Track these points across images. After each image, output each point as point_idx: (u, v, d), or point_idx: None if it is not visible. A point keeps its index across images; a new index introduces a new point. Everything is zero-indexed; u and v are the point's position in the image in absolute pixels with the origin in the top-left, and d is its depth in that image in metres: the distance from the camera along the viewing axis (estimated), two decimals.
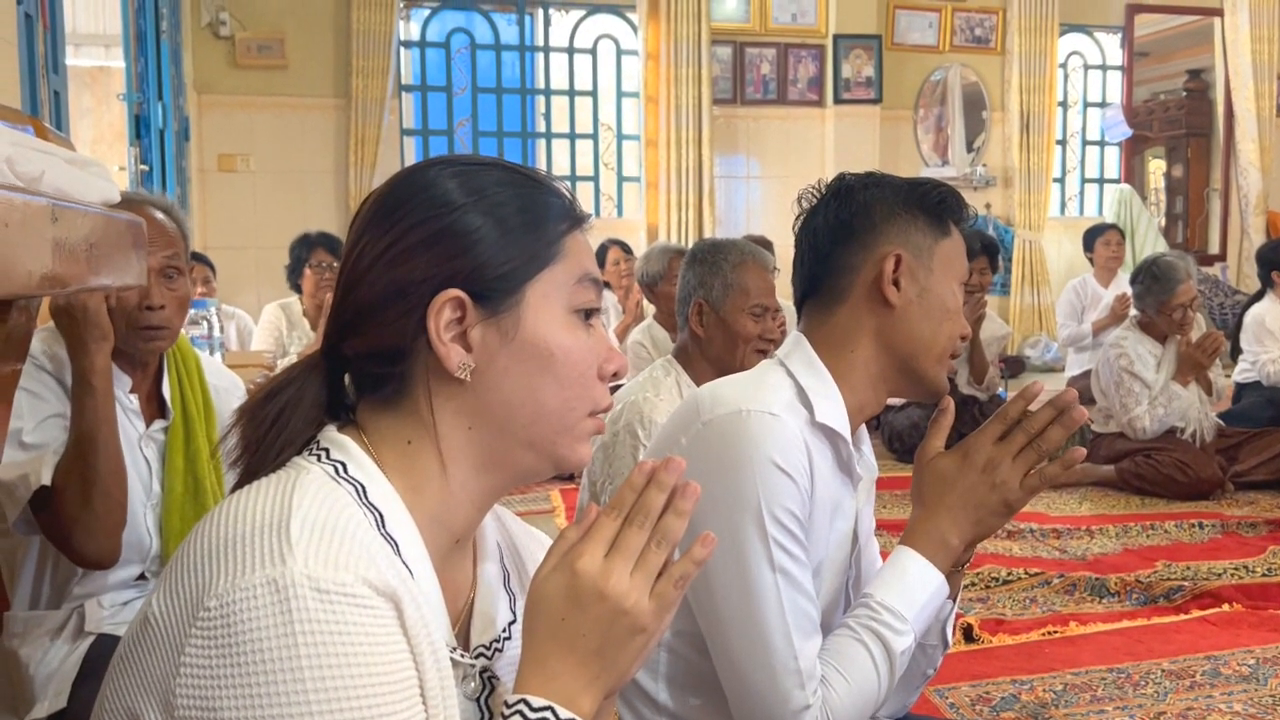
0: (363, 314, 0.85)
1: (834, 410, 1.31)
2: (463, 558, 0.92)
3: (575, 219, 0.90)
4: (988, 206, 8.04)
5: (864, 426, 1.43)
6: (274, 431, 0.86)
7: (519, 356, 0.85)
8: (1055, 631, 2.64)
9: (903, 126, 7.79)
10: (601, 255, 6.13)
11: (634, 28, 7.27)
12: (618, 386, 2.26)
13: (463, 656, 0.86)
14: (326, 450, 0.84)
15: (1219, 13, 8.42)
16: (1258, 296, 5.31)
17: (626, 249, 5.96)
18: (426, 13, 7.20)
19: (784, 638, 1.21)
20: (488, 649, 0.90)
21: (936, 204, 1.32)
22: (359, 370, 0.88)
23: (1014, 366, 7.61)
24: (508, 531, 1.02)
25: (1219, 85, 8.72)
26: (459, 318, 0.84)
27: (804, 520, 1.26)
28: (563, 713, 0.76)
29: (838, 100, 7.51)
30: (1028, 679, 2.37)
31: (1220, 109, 8.76)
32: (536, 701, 0.77)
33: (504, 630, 0.92)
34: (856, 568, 1.43)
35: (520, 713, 0.76)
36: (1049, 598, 2.92)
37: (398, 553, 0.80)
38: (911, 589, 1.28)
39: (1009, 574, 3.04)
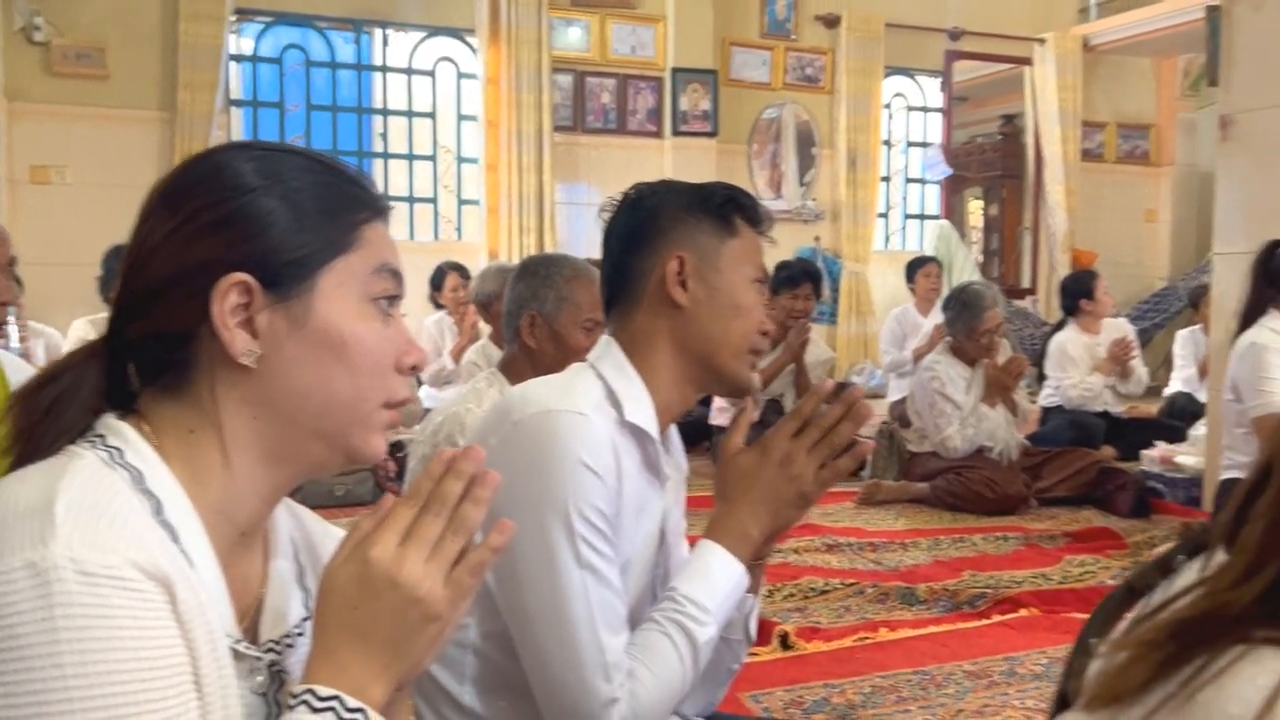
0: (146, 297, 0.83)
1: (642, 411, 1.35)
2: (251, 552, 0.90)
3: (376, 209, 0.90)
4: (817, 239, 8.35)
5: (674, 427, 1.47)
6: (49, 419, 0.82)
7: (309, 344, 0.84)
8: (867, 638, 2.75)
9: (738, 160, 8.03)
10: (439, 278, 6.09)
11: (474, 51, 7.28)
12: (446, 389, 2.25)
13: (248, 649, 0.85)
14: (102, 436, 0.82)
15: (1029, 62, 9.01)
16: (1060, 325, 5.68)
17: (464, 274, 5.93)
18: (260, 27, 7.03)
19: (591, 633, 1.23)
20: (278, 644, 0.88)
21: (721, 205, 1.38)
22: (142, 356, 0.86)
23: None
24: (304, 528, 1.00)
25: (1030, 130, 9.31)
26: (245, 303, 0.82)
27: (611, 518, 1.28)
28: (350, 702, 0.76)
29: (676, 132, 7.68)
30: (839, 683, 2.46)
31: (1031, 153, 9.35)
32: (323, 691, 0.76)
33: (296, 626, 0.91)
34: (664, 565, 1.47)
35: (306, 703, 0.75)
36: (863, 606, 3.05)
37: (176, 541, 0.78)
38: (714, 581, 1.33)
39: (826, 584, 3.16)
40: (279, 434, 0.85)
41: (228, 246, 0.82)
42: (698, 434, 5.28)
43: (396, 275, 0.90)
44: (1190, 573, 0.77)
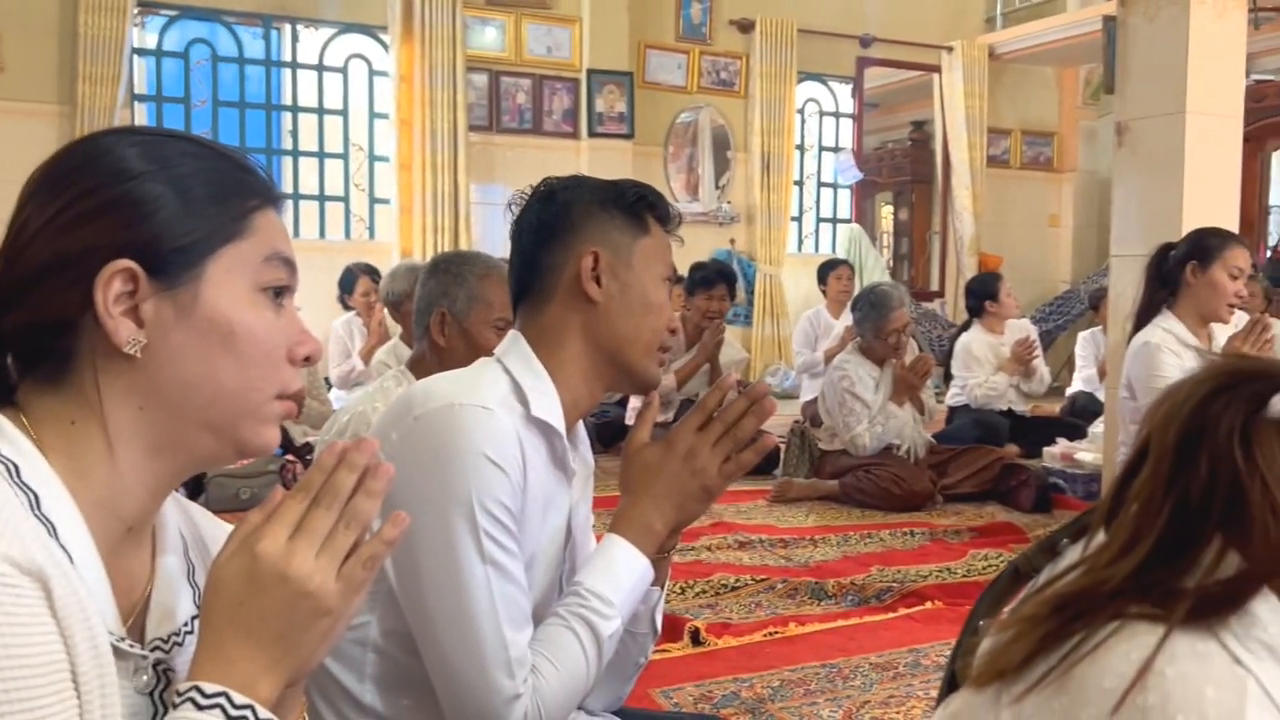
0: (24, 286, 0.80)
1: (549, 406, 1.34)
2: (138, 548, 0.88)
3: (267, 196, 0.88)
4: (732, 242, 8.43)
5: (581, 423, 1.47)
6: None
7: (197, 333, 0.82)
8: (776, 632, 2.79)
9: (654, 162, 8.06)
10: (349, 281, 5.99)
11: (386, 48, 7.19)
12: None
13: (131, 647, 0.82)
14: None
15: (938, 69, 9.22)
16: (966, 326, 5.82)
17: (375, 277, 5.84)
18: (164, 21, 6.85)
19: (494, 629, 1.22)
20: (165, 642, 0.86)
21: (634, 203, 1.38)
22: (20, 347, 0.83)
23: None
24: (195, 524, 0.98)
25: (938, 137, 9.53)
26: (130, 291, 0.80)
27: (516, 513, 1.27)
28: (238, 698, 0.74)
29: (592, 133, 7.69)
30: (748, 677, 2.49)
31: (939, 159, 9.57)
32: (210, 688, 0.74)
33: (185, 624, 0.89)
34: (571, 561, 1.46)
35: (192, 700, 0.73)
36: (773, 602, 3.09)
37: (54, 536, 0.76)
38: (618, 575, 1.33)
39: (737, 581, 3.19)
40: (166, 425, 0.83)
41: (111, 232, 0.80)
42: (615, 435, 5.29)
43: (289, 264, 0.88)
44: (1074, 554, 0.79)
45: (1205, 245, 3.15)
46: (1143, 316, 3.27)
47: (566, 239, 1.36)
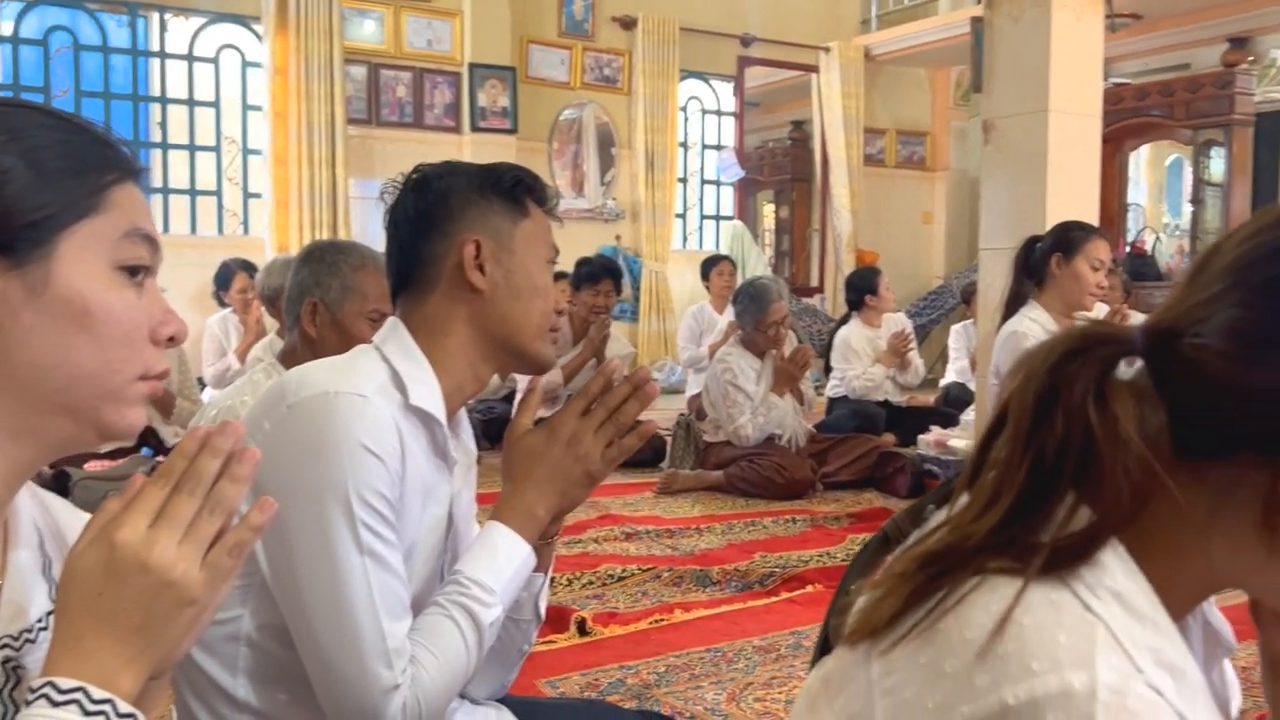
0: None
1: (429, 394, 1.32)
2: None
3: (127, 170, 0.85)
4: (618, 238, 8.47)
5: (464, 411, 1.45)
6: None
7: (50, 314, 0.78)
8: (662, 620, 2.81)
9: (538, 158, 8.03)
10: (225, 277, 5.81)
11: (260, 39, 6.99)
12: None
13: None
14: None
15: (816, 69, 9.41)
16: (844, 320, 5.96)
17: (254, 273, 5.68)
18: (20, 6, 6.53)
19: (372, 620, 1.20)
20: (15, 640, 0.82)
21: (511, 187, 1.37)
22: None
23: None
24: (52, 516, 0.93)
25: (817, 136, 9.73)
26: None
27: (394, 502, 1.25)
28: (96, 693, 0.70)
29: (474, 128, 7.62)
30: (634, 664, 2.50)
31: (818, 157, 9.77)
32: (65, 683, 0.70)
33: (40, 621, 0.85)
34: (453, 550, 1.44)
35: (46, 696, 0.70)
36: (659, 590, 3.11)
37: None
38: (499, 562, 1.31)
39: (624, 571, 3.20)
40: (19, 410, 0.79)
41: None
42: (502, 431, 5.22)
43: (150, 241, 0.85)
44: (940, 517, 0.82)
45: (1069, 238, 3.28)
46: (1010, 307, 3.39)
47: (446, 228, 1.34)
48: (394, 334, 1.35)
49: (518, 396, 5.10)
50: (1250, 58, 7.59)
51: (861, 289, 5.77)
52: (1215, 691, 0.81)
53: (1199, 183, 7.93)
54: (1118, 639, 0.64)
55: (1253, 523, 0.67)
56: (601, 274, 5.21)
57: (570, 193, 8.31)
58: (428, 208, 1.35)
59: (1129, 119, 8.00)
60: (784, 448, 4.64)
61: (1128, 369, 0.73)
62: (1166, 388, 0.70)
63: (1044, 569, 0.68)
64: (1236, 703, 0.84)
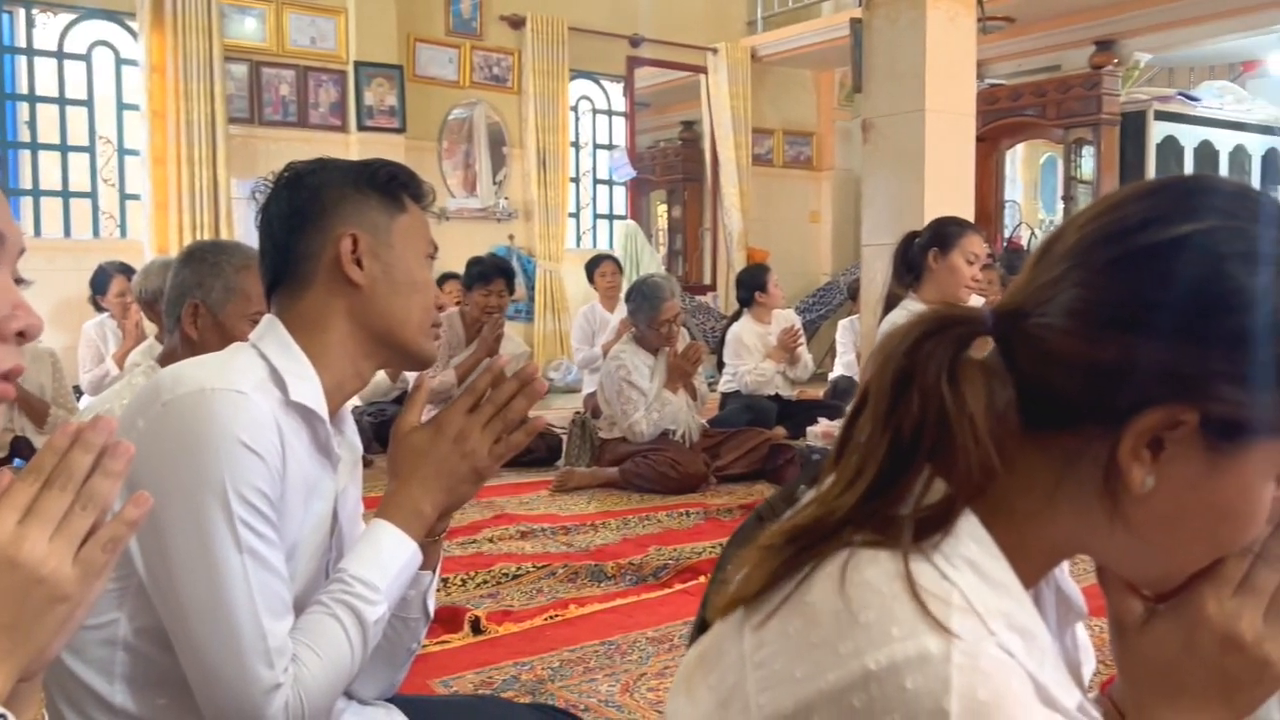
0: None
1: (309, 390, 1.30)
2: None
3: None
4: (511, 238, 8.43)
5: (349, 409, 1.44)
6: None
7: None
8: (557, 615, 2.82)
9: (428, 157, 7.95)
10: (102, 281, 5.59)
11: (135, 36, 6.76)
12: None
13: None
14: None
15: (704, 70, 9.51)
16: (736, 316, 6.04)
17: (131, 275, 5.48)
18: None
19: (252, 619, 1.18)
20: None
21: (387, 182, 1.36)
22: None
23: None
24: None
25: (707, 136, 9.83)
26: None
27: (275, 500, 1.23)
28: None
29: (361, 127, 7.51)
30: (528, 660, 2.51)
31: (709, 157, 9.88)
32: None
33: None
34: (338, 548, 1.43)
35: None
36: (554, 587, 3.12)
37: None
38: (384, 559, 1.30)
39: (519, 569, 3.20)
40: None
41: None
42: None
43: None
44: (810, 495, 0.84)
45: (945, 233, 3.39)
46: (891, 301, 3.49)
47: (321, 223, 1.32)
48: (271, 331, 1.33)
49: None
50: (1115, 60, 7.93)
51: (751, 286, 5.85)
52: (1068, 655, 0.85)
53: (1070, 180, 8.26)
54: (972, 604, 0.68)
55: (1095, 491, 0.71)
56: (494, 273, 5.17)
57: (462, 192, 8.24)
58: (302, 204, 1.34)
59: (1004, 119, 8.29)
60: (678, 443, 4.69)
61: (983, 349, 0.76)
62: (1015, 365, 0.73)
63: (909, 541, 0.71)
64: (1089, 666, 0.89)
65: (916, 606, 0.67)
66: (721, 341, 6.03)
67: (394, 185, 1.37)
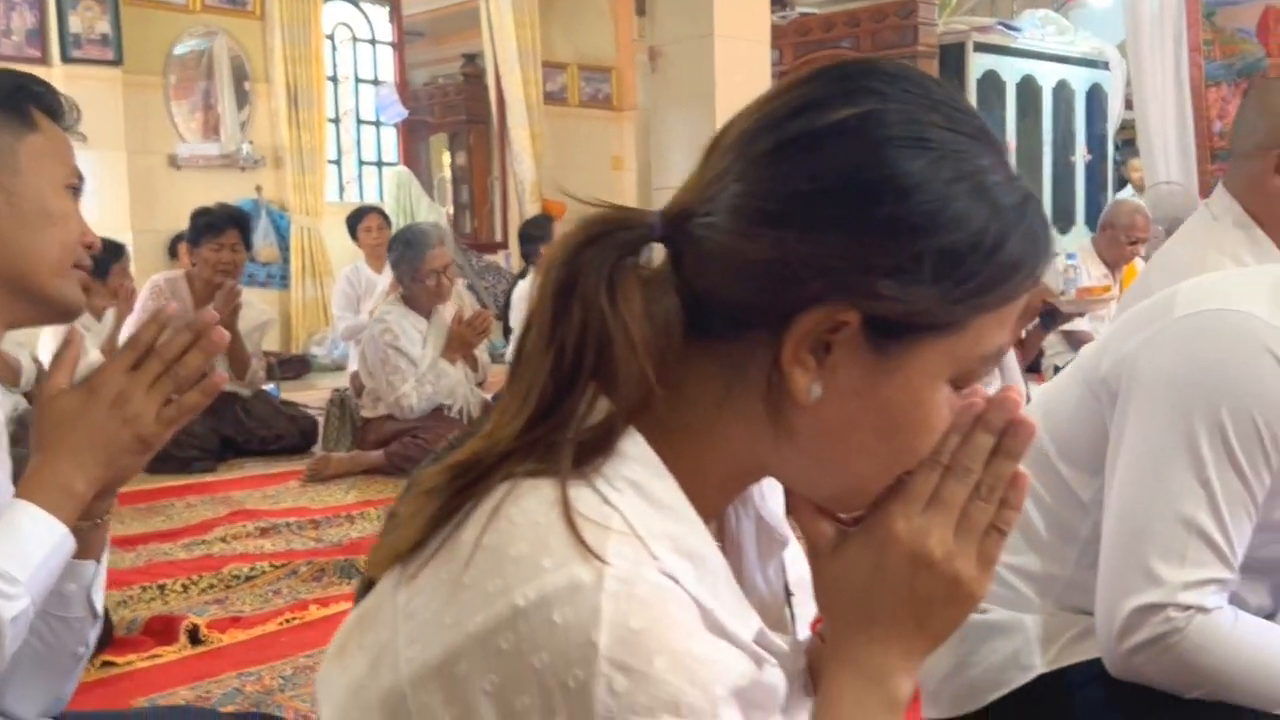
0: None
1: None
2: None
3: None
4: (258, 189, 8.14)
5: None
6: None
7: None
8: (294, 619, 2.77)
9: (153, 95, 7.62)
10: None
11: None
12: None
13: None
14: None
15: None
16: (522, 274, 6.05)
17: None
18: None
19: None
20: None
21: (12, 94, 1.30)
22: None
23: (297, 368, 7.79)
24: None
25: (491, 71, 9.74)
26: None
27: None
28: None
29: (66, 59, 7.11)
30: (255, 670, 2.45)
31: (494, 95, 9.79)
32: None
33: None
34: None
35: None
36: (295, 588, 3.06)
37: None
38: (26, 546, 1.24)
39: (253, 570, 3.12)
40: None
41: None
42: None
43: None
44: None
45: None
46: None
47: None
48: None
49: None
50: None
51: (536, 239, 5.86)
52: (770, 586, 0.89)
53: None
54: (634, 528, 0.69)
55: (760, 400, 0.74)
56: (225, 224, 4.90)
57: (199, 137, 7.90)
58: None
59: (816, 51, 8.54)
60: (454, 420, 4.64)
61: (661, 256, 0.78)
62: (682, 270, 0.75)
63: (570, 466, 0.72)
64: (808, 600, 0.93)
65: (571, 535, 0.68)
66: (505, 303, 6.03)
67: (20, 98, 1.30)
